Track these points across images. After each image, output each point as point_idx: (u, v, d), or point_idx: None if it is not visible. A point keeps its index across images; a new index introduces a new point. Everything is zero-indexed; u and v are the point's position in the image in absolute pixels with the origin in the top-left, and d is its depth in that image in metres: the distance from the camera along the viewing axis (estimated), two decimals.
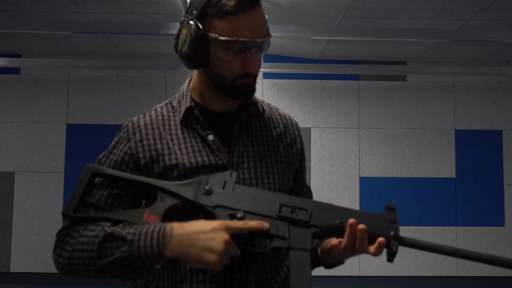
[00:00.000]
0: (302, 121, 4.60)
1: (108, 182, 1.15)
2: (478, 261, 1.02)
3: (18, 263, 4.49)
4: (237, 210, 1.05)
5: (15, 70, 4.65)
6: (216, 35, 1.10)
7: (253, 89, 1.19)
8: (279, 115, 1.33)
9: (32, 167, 4.60)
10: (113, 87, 4.70)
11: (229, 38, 1.09)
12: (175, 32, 1.20)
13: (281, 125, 1.30)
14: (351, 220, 1.02)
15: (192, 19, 1.12)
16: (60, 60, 4.38)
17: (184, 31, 1.14)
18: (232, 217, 1.05)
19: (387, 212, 1.05)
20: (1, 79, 4.66)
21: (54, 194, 4.56)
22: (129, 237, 1.03)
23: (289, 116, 1.35)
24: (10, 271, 4.47)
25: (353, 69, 4.58)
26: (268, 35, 1.15)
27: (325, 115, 4.72)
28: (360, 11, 3.54)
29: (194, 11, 1.13)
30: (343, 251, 1.05)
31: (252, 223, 1.02)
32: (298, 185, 1.33)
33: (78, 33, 3.97)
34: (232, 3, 1.08)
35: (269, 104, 1.35)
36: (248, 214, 1.05)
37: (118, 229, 1.06)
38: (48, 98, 4.67)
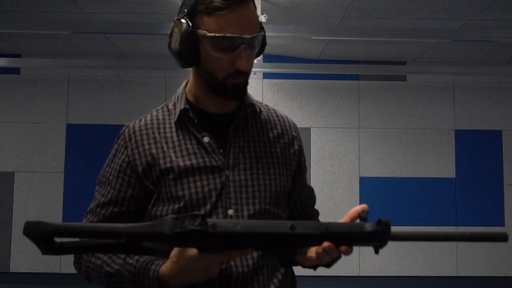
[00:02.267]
0: (302, 121, 4.60)
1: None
2: (463, 240, 0.99)
3: (18, 263, 4.48)
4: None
5: (15, 70, 4.65)
6: (205, 31, 1.11)
7: (243, 90, 1.18)
8: (277, 116, 1.32)
9: (32, 167, 4.60)
10: (113, 87, 4.69)
11: (217, 34, 1.10)
12: None
13: (279, 127, 1.29)
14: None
15: (182, 17, 1.14)
16: (60, 60, 4.38)
17: (175, 30, 1.16)
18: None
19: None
20: (1, 79, 4.66)
21: (54, 194, 4.56)
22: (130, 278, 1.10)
23: (287, 117, 1.34)
24: (10, 271, 4.46)
25: (353, 69, 4.58)
26: (258, 32, 1.14)
27: (325, 115, 4.71)
28: (360, 11, 3.54)
29: (185, 10, 1.14)
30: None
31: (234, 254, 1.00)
32: (299, 186, 1.32)
33: (78, 33, 3.97)
34: None
35: (267, 106, 1.34)
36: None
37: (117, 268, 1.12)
38: (48, 98, 4.67)
